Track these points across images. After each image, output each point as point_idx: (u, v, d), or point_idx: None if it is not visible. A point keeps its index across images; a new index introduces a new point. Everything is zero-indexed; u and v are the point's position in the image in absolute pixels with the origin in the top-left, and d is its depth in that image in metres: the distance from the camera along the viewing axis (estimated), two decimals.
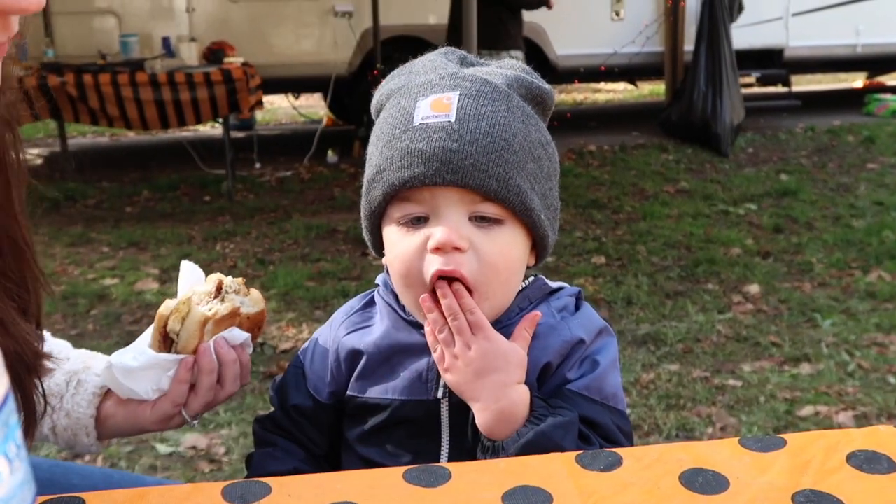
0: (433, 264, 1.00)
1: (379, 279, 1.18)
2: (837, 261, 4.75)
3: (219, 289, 1.12)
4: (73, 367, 1.22)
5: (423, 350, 1.07)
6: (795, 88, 10.10)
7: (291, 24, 8.24)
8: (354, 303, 1.20)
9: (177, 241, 5.43)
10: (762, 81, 9.75)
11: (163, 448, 2.90)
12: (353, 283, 4.52)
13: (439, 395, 1.06)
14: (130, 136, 9.80)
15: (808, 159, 7.58)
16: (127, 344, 1.16)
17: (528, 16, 8.35)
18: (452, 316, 0.99)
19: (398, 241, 1.04)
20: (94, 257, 5.13)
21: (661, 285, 4.44)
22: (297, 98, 10.41)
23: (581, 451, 0.90)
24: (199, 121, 6.48)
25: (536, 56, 8.33)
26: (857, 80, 12.55)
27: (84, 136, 10.11)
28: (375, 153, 1.06)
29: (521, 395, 1.00)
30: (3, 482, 0.58)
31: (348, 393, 1.12)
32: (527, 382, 1.02)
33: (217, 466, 2.81)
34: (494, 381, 0.99)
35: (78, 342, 1.32)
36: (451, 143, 0.99)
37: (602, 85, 13.29)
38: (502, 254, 1.03)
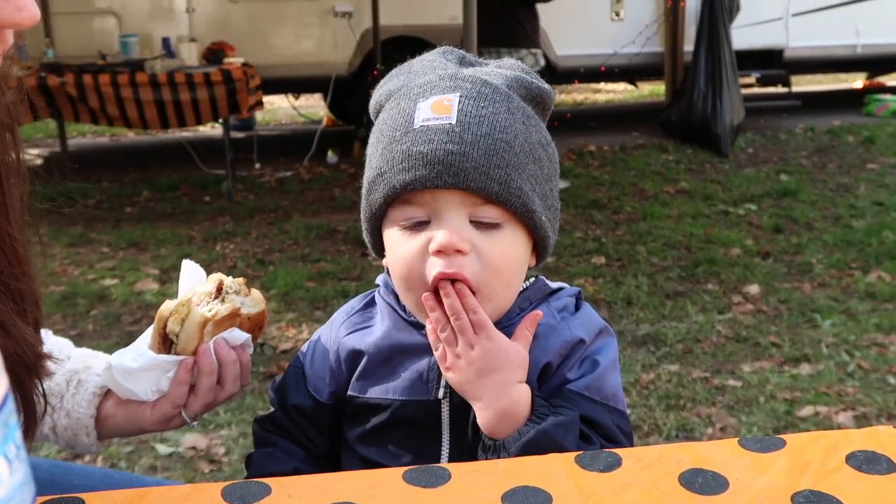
0: (435, 267, 1.00)
1: (379, 279, 1.18)
2: (837, 261, 4.75)
3: (219, 289, 1.11)
4: (74, 367, 1.21)
5: (424, 350, 1.07)
6: (795, 89, 10.10)
7: (291, 24, 8.24)
8: (355, 303, 1.20)
9: (177, 241, 5.43)
10: (762, 82, 9.75)
11: (163, 448, 2.90)
12: (353, 283, 4.52)
13: (440, 395, 1.06)
14: (130, 136, 9.81)
15: (808, 160, 7.58)
16: (127, 344, 1.16)
17: None
18: (455, 315, 0.99)
19: (399, 244, 1.04)
20: (93, 257, 5.13)
21: (661, 286, 4.44)
22: (296, 98, 10.41)
23: (581, 452, 0.90)
24: (199, 122, 6.48)
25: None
26: (857, 81, 12.55)
27: (84, 136, 10.11)
28: (375, 155, 1.05)
29: (522, 395, 1.00)
30: (2, 483, 0.58)
31: (349, 393, 1.12)
32: (527, 382, 1.03)
33: (217, 467, 2.81)
34: (496, 381, 0.99)
35: (78, 342, 1.31)
36: (452, 146, 0.99)
37: (602, 85, 13.30)
38: (504, 255, 1.03)
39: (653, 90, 12.65)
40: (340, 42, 8.05)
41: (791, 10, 9.33)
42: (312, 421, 1.16)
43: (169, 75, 6.10)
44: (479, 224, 1.02)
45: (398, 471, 0.87)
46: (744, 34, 8.72)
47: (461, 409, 1.05)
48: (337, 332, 1.16)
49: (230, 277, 1.14)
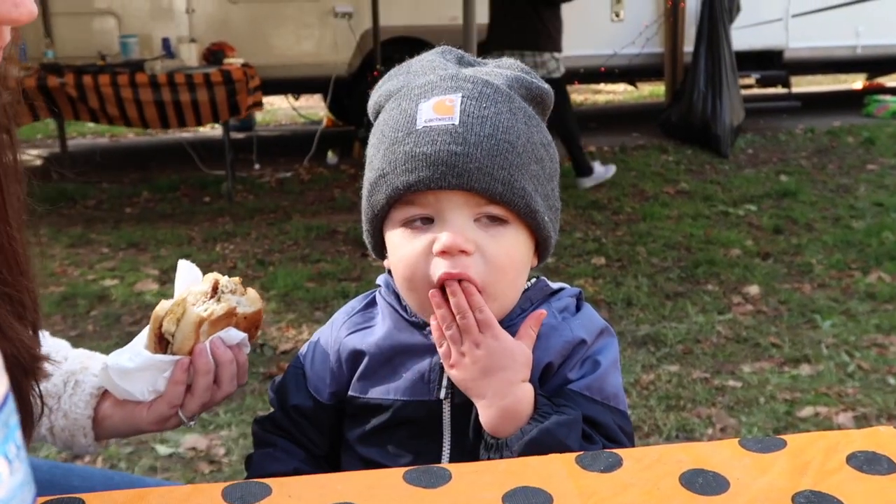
0: (440, 267, 0.99)
1: (380, 279, 1.18)
2: (837, 262, 4.75)
3: (215, 289, 1.11)
4: (71, 368, 1.21)
5: (426, 351, 1.07)
6: (795, 90, 10.11)
7: (291, 24, 8.25)
8: (355, 303, 1.19)
9: (176, 241, 5.43)
10: (762, 82, 9.76)
11: (163, 449, 2.90)
12: (353, 283, 4.52)
13: (441, 395, 1.06)
14: (130, 136, 9.81)
15: (808, 160, 7.58)
16: (126, 345, 1.16)
17: None
18: (461, 314, 0.98)
19: (402, 245, 1.04)
20: (93, 258, 5.13)
21: (661, 286, 4.44)
22: (296, 99, 10.41)
23: (581, 452, 0.90)
24: (199, 123, 6.49)
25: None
26: (857, 82, 12.56)
27: (84, 136, 10.11)
28: (377, 156, 1.05)
29: (525, 393, 1.00)
30: (2, 483, 0.58)
31: (349, 393, 1.12)
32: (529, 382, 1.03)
33: (217, 467, 2.81)
34: (500, 379, 0.99)
35: (78, 343, 1.31)
36: (456, 147, 0.99)
37: (602, 86, 13.30)
38: (508, 255, 1.03)
39: (653, 91, 12.65)
40: (340, 43, 8.05)
41: (791, 11, 9.34)
42: (312, 421, 1.16)
43: (169, 76, 6.10)
44: (482, 224, 1.02)
45: (399, 471, 0.87)
46: (744, 35, 8.73)
47: (462, 409, 1.05)
48: (338, 333, 1.15)
49: (226, 277, 1.14)
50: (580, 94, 13.01)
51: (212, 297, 1.11)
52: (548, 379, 1.06)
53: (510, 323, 1.07)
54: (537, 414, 0.99)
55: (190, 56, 6.75)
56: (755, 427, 2.99)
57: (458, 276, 0.99)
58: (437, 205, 1.01)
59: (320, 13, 8.17)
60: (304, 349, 1.20)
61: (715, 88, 8.04)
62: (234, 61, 6.62)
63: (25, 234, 1.01)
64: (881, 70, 11.32)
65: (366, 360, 1.10)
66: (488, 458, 0.99)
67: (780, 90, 10.10)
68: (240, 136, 8.79)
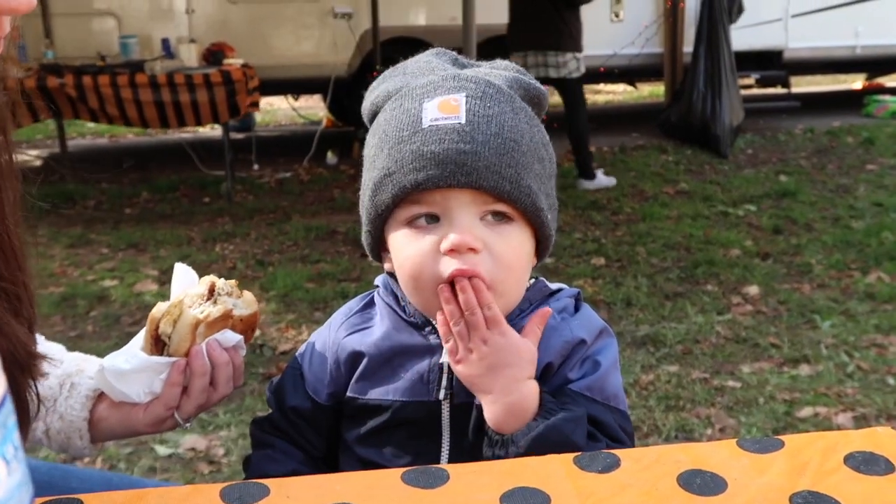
0: (450, 265, 1.00)
1: (378, 280, 1.18)
2: (836, 262, 4.75)
3: (211, 291, 1.12)
4: (67, 371, 1.21)
5: (425, 351, 1.08)
6: (795, 90, 10.12)
7: (291, 25, 8.25)
8: (353, 304, 1.19)
9: (176, 242, 5.43)
10: (761, 83, 9.76)
11: (162, 450, 2.90)
12: (352, 284, 4.52)
13: (441, 396, 1.06)
14: (130, 137, 9.82)
15: (808, 160, 7.59)
16: (125, 346, 1.16)
17: None
18: (470, 310, 0.99)
19: (408, 244, 1.03)
20: (93, 258, 5.13)
21: (661, 286, 4.44)
22: (296, 99, 10.42)
23: (579, 453, 0.91)
24: (198, 123, 6.49)
25: None
26: (857, 82, 12.56)
27: (83, 136, 10.12)
28: (381, 156, 1.04)
29: (531, 390, 1.01)
30: (0, 483, 0.58)
31: (348, 394, 1.12)
32: None
33: (216, 468, 2.81)
34: (506, 376, 1.00)
35: (77, 343, 1.32)
36: (464, 145, 0.99)
37: (601, 86, 13.31)
38: (514, 252, 1.04)
39: (652, 91, 12.66)
40: (340, 43, 8.05)
41: (790, 11, 9.34)
42: (310, 422, 1.16)
43: (168, 76, 6.10)
44: (487, 222, 1.02)
45: (397, 472, 0.87)
46: (743, 35, 8.73)
47: (462, 409, 1.06)
48: (336, 334, 1.15)
49: (222, 279, 1.14)
50: None
51: (208, 299, 1.11)
52: (547, 379, 1.07)
53: (510, 324, 1.07)
54: (543, 410, 0.99)
55: (189, 56, 6.75)
56: (754, 427, 2.99)
57: (469, 272, 0.99)
58: (444, 203, 1.01)
59: (320, 13, 8.18)
60: (301, 350, 1.20)
61: (714, 89, 8.04)
62: (233, 62, 6.62)
63: (22, 231, 1.01)
64: (881, 70, 11.32)
65: (365, 361, 1.11)
66: (492, 455, 0.99)
67: (779, 90, 10.11)
68: (239, 136, 8.79)
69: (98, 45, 7.23)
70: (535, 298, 1.11)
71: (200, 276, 1.16)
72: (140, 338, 1.13)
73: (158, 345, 1.11)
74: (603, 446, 1.00)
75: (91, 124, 8.78)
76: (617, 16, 9.11)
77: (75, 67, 6.17)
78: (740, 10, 8.43)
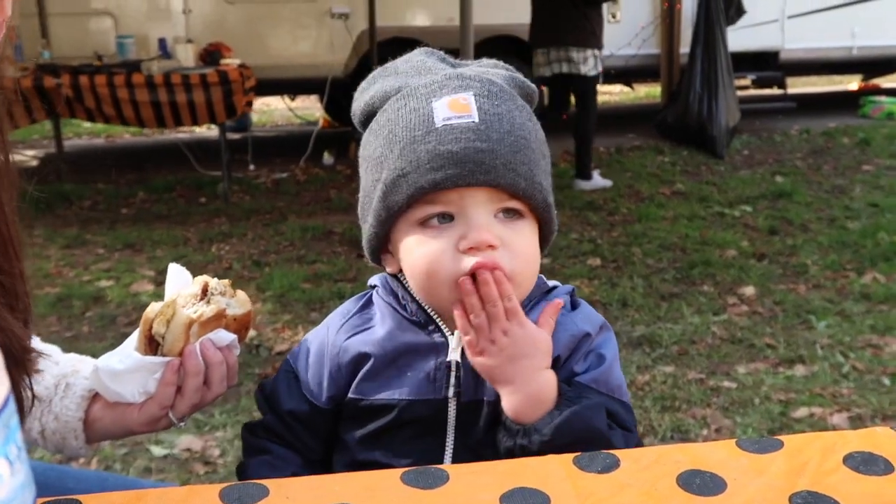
0: (469, 261, 1.00)
1: (376, 280, 1.18)
2: (832, 262, 4.76)
3: (204, 291, 1.12)
4: (62, 371, 1.22)
5: (430, 349, 1.08)
6: (791, 91, 10.13)
7: (288, 25, 8.24)
8: (350, 306, 1.18)
9: (172, 242, 5.42)
10: (758, 84, 9.77)
11: (157, 450, 2.89)
12: (348, 284, 4.51)
13: (450, 394, 1.07)
14: (126, 137, 9.80)
15: (804, 161, 7.60)
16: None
17: (522, 16, 8.34)
18: (492, 303, 1.00)
19: (423, 243, 1.03)
20: (89, 259, 5.12)
21: (657, 287, 4.44)
22: (293, 100, 10.41)
23: (578, 453, 0.91)
24: (195, 123, 6.48)
25: (531, 57, 8.32)
26: (853, 83, 12.59)
27: (80, 137, 10.10)
28: (391, 156, 1.03)
29: (549, 380, 1.02)
30: (3, 484, 0.58)
31: (350, 396, 1.12)
32: None
33: (212, 468, 2.80)
34: (526, 366, 1.01)
35: (73, 344, 1.32)
36: (481, 144, 1.00)
37: (598, 87, 13.29)
38: (528, 246, 1.05)
39: (649, 92, 12.67)
40: (337, 43, 8.05)
41: (787, 13, 9.36)
42: (308, 426, 1.15)
43: (165, 76, 6.09)
44: (500, 219, 1.03)
45: (396, 472, 0.87)
46: (740, 36, 8.74)
47: (469, 407, 1.07)
48: (336, 336, 1.14)
49: (215, 279, 1.14)
50: None
51: (201, 298, 1.11)
52: (555, 372, 1.08)
53: None
54: (563, 399, 1.01)
55: (186, 56, 6.74)
56: (750, 428, 2.99)
57: (491, 265, 1.00)
58: (460, 202, 1.01)
59: (317, 14, 8.17)
60: (294, 353, 1.19)
61: (711, 90, 8.05)
62: (230, 62, 6.61)
63: (18, 224, 1.01)
64: (877, 71, 11.34)
65: (370, 361, 1.10)
66: (514, 445, 1.00)
67: (775, 91, 10.12)
68: (236, 136, 8.78)
69: (95, 45, 7.21)
70: (534, 295, 1.12)
71: (196, 276, 1.16)
72: (134, 338, 1.13)
73: (152, 345, 1.11)
74: (620, 434, 1.03)
75: (87, 124, 8.77)
76: (614, 16, 9.10)
77: (72, 67, 6.16)
78: (740, 11, 8.43)
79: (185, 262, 1.21)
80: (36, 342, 1.16)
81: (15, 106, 1.01)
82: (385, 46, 7.86)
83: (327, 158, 7.79)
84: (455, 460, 1.07)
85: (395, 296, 1.12)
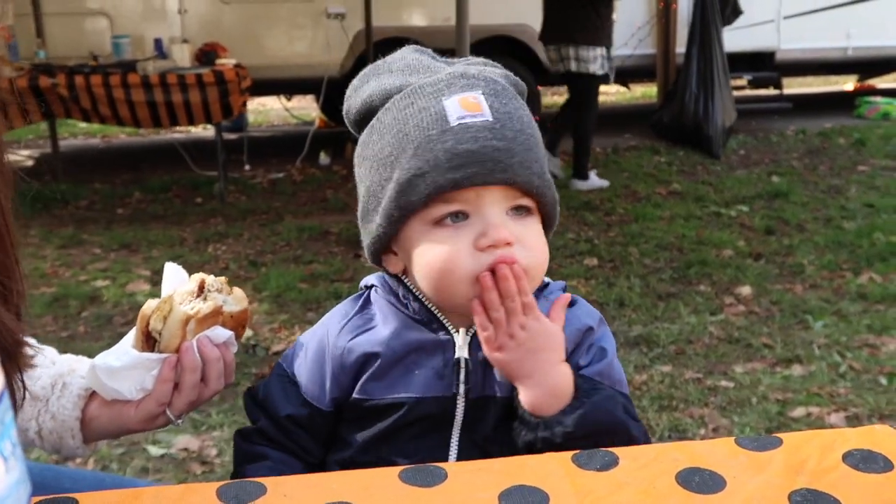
0: (487, 258, 1.01)
1: (374, 280, 1.17)
2: (829, 262, 4.76)
3: (201, 288, 1.12)
4: (59, 371, 1.21)
5: (437, 347, 1.09)
6: (787, 91, 10.13)
7: (284, 25, 8.23)
8: (348, 307, 1.17)
9: (168, 242, 5.41)
10: (754, 84, 9.77)
11: (154, 450, 2.89)
12: (345, 284, 4.51)
13: (459, 391, 1.07)
14: (122, 137, 9.78)
15: (800, 161, 7.61)
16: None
17: (518, 16, 8.34)
18: (511, 298, 1.01)
19: (438, 241, 1.03)
20: (85, 259, 5.11)
21: (654, 287, 4.44)
22: (289, 100, 10.39)
23: (577, 451, 0.91)
24: (191, 123, 6.47)
25: (527, 57, 8.33)
26: (848, 83, 12.60)
27: (76, 137, 10.08)
28: (404, 156, 1.02)
29: (566, 373, 1.04)
30: None
31: (355, 396, 1.11)
32: None
33: (209, 468, 2.80)
34: (543, 359, 1.03)
35: (69, 344, 1.32)
36: (497, 142, 1.01)
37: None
38: (540, 241, 1.07)
39: (645, 92, 12.67)
40: (333, 43, 8.03)
41: (783, 13, 9.36)
42: (307, 430, 1.14)
43: (161, 76, 6.08)
44: (512, 216, 1.04)
45: (394, 470, 0.87)
46: (736, 36, 8.74)
47: (477, 404, 1.08)
48: (337, 338, 1.13)
49: (212, 276, 1.14)
50: None
51: (198, 295, 1.11)
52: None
53: None
54: (581, 391, 1.02)
55: (182, 56, 6.72)
56: (747, 427, 2.99)
57: (511, 260, 1.01)
58: (476, 201, 1.02)
59: (313, 14, 8.15)
60: (288, 356, 1.18)
61: (707, 90, 8.05)
62: (226, 62, 6.60)
63: (13, 224, 1.00)
64: (872, 72, 11.35)
65: (378, 361, 1.10)
66: (534, 438, 1.01)
67: (771, 91, 10.12)
68: (232, 136, 8.77)
69: (90, 45, 7.19)
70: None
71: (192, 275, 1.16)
72: (131, 336, 1.13)
73: (149, 342, 1.11)
74: (636, 424, 1.05)
75: (83, 124, 8.75)
76: None
77: (67, 67, 6.14)
78: (736, 11, 8.42)
79: (181, 262, 1.21)
80: (32, 343, 1.15)
81: (10, 107, 1.01)
82: (381, 46, 7.82)
83: (324, 158, 7.78)
84: (461, 457, 1.07)
85: (396, 295, 1.12)
